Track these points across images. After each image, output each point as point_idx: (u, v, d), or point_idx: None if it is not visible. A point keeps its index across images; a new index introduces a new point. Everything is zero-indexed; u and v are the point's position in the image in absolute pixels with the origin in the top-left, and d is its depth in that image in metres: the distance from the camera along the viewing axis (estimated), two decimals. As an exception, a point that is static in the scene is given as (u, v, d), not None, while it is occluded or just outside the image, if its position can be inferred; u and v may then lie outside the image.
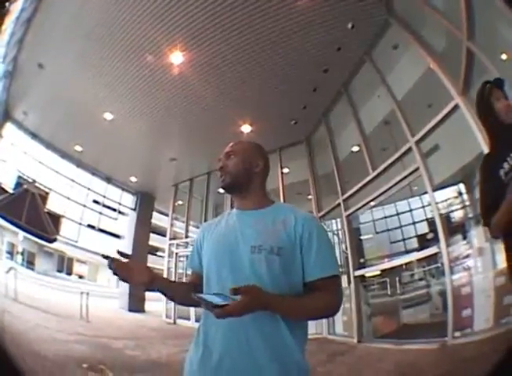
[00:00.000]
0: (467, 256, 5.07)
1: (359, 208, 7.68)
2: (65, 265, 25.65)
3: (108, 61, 7.15)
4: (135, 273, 1.21)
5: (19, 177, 10.25)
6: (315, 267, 1.20)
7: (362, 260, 8.10)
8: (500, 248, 4.38)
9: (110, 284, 25.83)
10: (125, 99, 8.25)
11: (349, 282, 7.63)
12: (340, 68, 7.42)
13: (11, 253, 18.92)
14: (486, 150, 4.33)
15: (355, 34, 6.48)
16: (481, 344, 4.17)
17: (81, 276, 26.13)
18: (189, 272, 1.43)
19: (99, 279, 27.61)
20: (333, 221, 9.19)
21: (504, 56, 4.19)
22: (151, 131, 9.71)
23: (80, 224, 13.26)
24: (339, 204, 8.18)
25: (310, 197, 9.45)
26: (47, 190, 10.80)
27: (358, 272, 7.49)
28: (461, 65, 4.72)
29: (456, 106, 4.95)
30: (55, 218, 10.39)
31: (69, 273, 25.46)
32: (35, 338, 4.96)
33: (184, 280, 1.31)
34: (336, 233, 9.15)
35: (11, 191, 9.52)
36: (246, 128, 9.01)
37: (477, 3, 4.28)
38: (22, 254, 18.83)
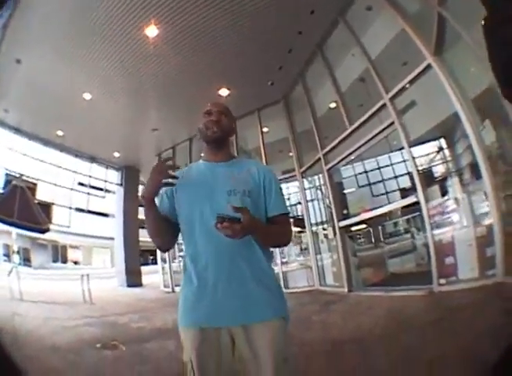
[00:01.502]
0: (447, 207, 5.36)
1: (339, 162, 7.92)
2: (59, 254, 25.75)
3: (82, 41, 6.94)
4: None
5: (7, 174, 10.10)
6: (275, 206, 1.53)
7: (345, 211, 8.39)
8: (478, 199, 4.71)
9: (106, 265, 26.18)
10: (103, 76, 8.09)
11: (335, 233, 7.96)
12: (314, 30, 7.39)
13: (7, 255, 18.88)
14: (460, 110, 4.59)
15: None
16: (468, 293, 4.49)
17: (76, 262, 26.29)
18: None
19: (94, 261, 27.86)
20: (316, 177, 9.42)
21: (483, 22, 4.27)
22: (130, 105, 9.56)
23: (70, 208, 13.25)
24: (319, 159, 8.42)
25: (291, 154, 9.65)
26: (35, 181, 10.72)
27: (343, 223, 7.79)
28: (433, 28, 4.85)
29: (429, 66, 5.13)
30: (46, 207, 10.42)
31: (64, 261, 25.61)
32: (47, 332, 5.10)
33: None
34: (319, 187, 9.39)
35: (1, 190, 9.47)
36: (224, 92, 9.01)
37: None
38: (18, 252, 18.81)
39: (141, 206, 14.95)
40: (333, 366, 3.01)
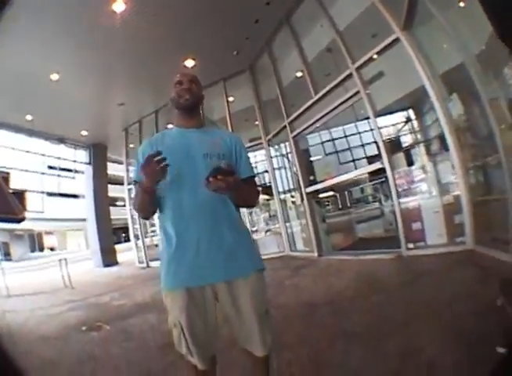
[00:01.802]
0: (415, 176, 5.61)
1: (304, 129, 8.05)
2: (36, 243, 25.12)
3: (48, 21, 6.54)
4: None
5: None
6: (245, 169, 1.66)
7: (312, 178, 8.65)
8: (444, 168, 4.93)
9: (81, 247, 25.78)
10: (68, 55, 7.78)
11: (302, 199, 8.18)
12: (282, 1, 7.29)
13: None
14: (427, 84, 4.73)
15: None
16: (437, 258, 4.77)
17: (52, 249, 25.75)
18: (138, 184, 1.55)
19: (69, 245, 27.34)
20: (282, 145, 9.53)
21: (462, 4, 4.45)
22: (97, 80, 9.26)
23: (42, 193, 12.84)
24: (285, 127, 8.52)
25: (257, 122, 9.72)
26: (7, 170, 10.24)
27: (310, 189, 8.01)
28: (404, 4, 4.93)
29: (397, 40, 5.26)
30: (20, 195, 10.04)
31: (41, 249, 25.06)
32: (34, 324, 5.11)
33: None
34: (285, 155, 9.54)
35: None
36: (189, 63, 8.86)
37: None
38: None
39: (111, 184, 14.74)
40: (308, 327, 3.18)
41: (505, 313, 1.83)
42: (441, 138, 4.98)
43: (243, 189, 1.52)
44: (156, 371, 2.73)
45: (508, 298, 1.81)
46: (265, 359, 1.58)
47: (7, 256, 19.71)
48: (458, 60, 4.50)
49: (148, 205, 1.56)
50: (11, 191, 9.35)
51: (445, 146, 4.90)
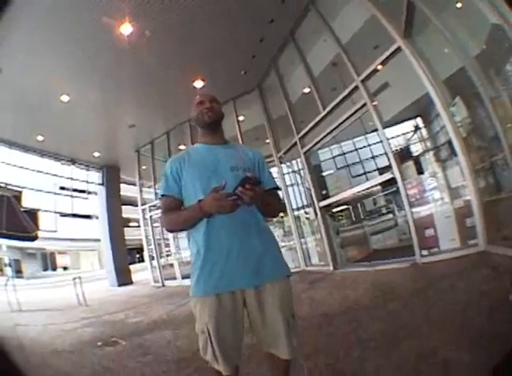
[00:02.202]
0: (427, 185, 5.58)
1: (315, 144, 8.10)
2: (48, 262, 25.28)
3: (59, 44, 6.86)
4: None
5: None
6: (269, 180, 1.78)
7: (324, 192, 8.69)
8: (453, 173, 4.92)
9: (94, 267, 25.87)
10: (78, 77, 8.04)
11: (316, 214, 8.17)
12: (285, 18, 7.49)
13: (0, 269, 18.39)
14: (431, 90, 4.77)
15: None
16: (451, 262, 4.72)
17: (65, 268, 25.86)
18: (165, 198, 1.70)
19: (83, 265, 27.46)
20: (294, 161, 9.58)
21: (459, 4, 4.53)
22: (107, 102, 9.51)
23: (55, 212, 13.07)
24: (295, 143, 8.59)
25: (268, 140, 9.80)
26: (20, 189, 10.50)
27: (323, 203, 8.01)
28: (402, 11, 5.04)
29: (399, 49, 5.35)
30: (33, 214, 10.24)
31: (54, 268, 25.18)
32: (48, 338, 5.15)
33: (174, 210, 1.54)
34: (297, 171, 9.56)
35: None
36: (199, 84, 9.04)
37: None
38: (10, 265, 18.40)
39: (124, 205, 14.93)
40: (325, 337, 3.16)
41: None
42: (450, 143, 4.98)
43: (268, 200, 1.64)
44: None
45: None
46: (287, 364, 1.62)
47: (18, 273, 19.85)
48: (459, 64, 4.55)
49: (193, 224, 1.61)
50: (23, 210, 9.69)
51: (453, 151, 4.90)
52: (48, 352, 4.25)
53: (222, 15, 6.86)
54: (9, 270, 17.88)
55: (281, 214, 10.39)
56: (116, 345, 4.33)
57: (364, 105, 6.25)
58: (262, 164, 1.81)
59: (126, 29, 6.67)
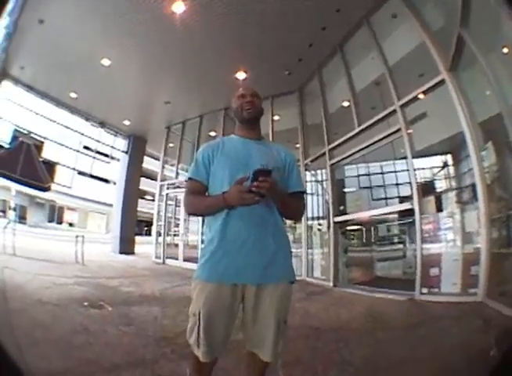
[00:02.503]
0: (443, 224, 5.44)
1: (343, 159, 8.03)
2: (55, 215, 25.82)
3: (108, 9, 6.93)
4: None
5: (16, 130, 10.15)
6: (296, 183, 1.77)
7: (342, 208, 8.59)
8: (471, 217, 4.81)
9: (100, 230, 26.33)
10: (123, 44, 8.10)
11: (328, 227, 8.12)
12: (337, 28, 7.43)
13: (3, 211, 18.93)
14: (466, 129, 4.66)
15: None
16: (448, 307, 4.62)
17: (71, 224, 26.37)
18: (191, 181, 1.74)
19: (89, 225, 27.97)
20: (319, 171, 9.51)
21: (506, 50, 4.39)
22: (147, 75, 9.62)
23: (73, 169, 13.33)
24: (324, 153, 8.51)
25: (298, 145, 9.73)
26: (42, 140, 10.77)
27: (338, 219, 7.93)
28: (451, 46, 4.92)
29: (442, 81, 5.24)
30: (50, 166, 10.50)
31: (59, 222, 25.69)
32: (37, 287, 5.25)
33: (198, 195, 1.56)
34: (321, 182, 9.50)
35: (7, 146, 9.53)
36: (241, 75, 9.06)
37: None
38: (15, 209, 18.96)
39: (143, 176, 15.15)
40: (308, 349, 3.16)
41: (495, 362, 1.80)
42: (473, 187, 4.86)
43: (289, 201, 1.67)
44: (146, 360, 2.74)
45: (499, 348, 1.77)
46: (266, 366, 1.65)
47: (22, 219, 20.28)
48: (497, 109, 4.41)
49: (214, 212, 1.65)
50: (42, 160, 9.94)
51: (475, 196, 4.78)
52: (31, 301, 4.35)
53: (277, 15, 6.87)
54: (12, 214, 18.36)
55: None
56: (102, 308, 4.41)
57: (398, 130, 6.15)
58: (293, 165, 1.80)
59: (178, 7, 6.72)
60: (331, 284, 7.52)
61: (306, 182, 9.47)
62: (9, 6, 6.17)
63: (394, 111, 6.27)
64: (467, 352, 2.77)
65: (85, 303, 4.53)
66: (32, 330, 3.14)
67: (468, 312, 4.16)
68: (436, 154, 8.00)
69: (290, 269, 1.70)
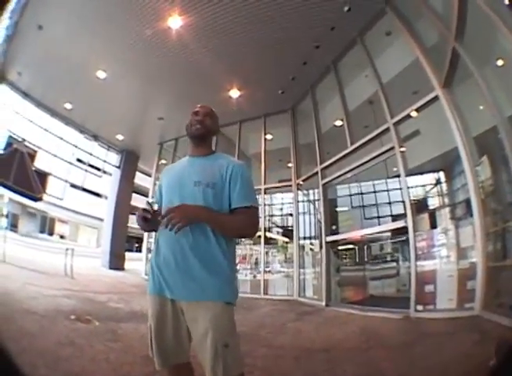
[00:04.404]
0: (436, 240, 5.43)
1: (335, 178, 8.03)
2: (47, 226, 25.50)
3: (106, 21, 7.04)
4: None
5: (10, 137, 10.03)
6: (238, 198, 1.64)
7: (334, 227, 8.55)
8: (465, 233, 4.81)
9: (91, 244, 25.99)
10: (120, 58, 8.15)
11: (321, 247, 8.06)
12: (331, 46, 7.55)
13: None
14: (460, 145, 4.72)
15: (349, 16, 6.54)
16: (444, 323, 4.55)
17: (62, 237, 26.04)
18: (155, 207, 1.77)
19: (80, 238, 27.63)
20: (311, 191, 9.51)
21: (500, 62, 4.50)
22: (141, 91, 9.67)
23: (66, 182, 13.18)
24: (316, 173, 8.51)
25: (290, 164, 9.75)
26: (36, 149, 10.68)
27: (330, 238, 7.89)
28: (446, 61, 4.99)
29: (436, 98, 5.28)
30: (43, 177, 10.37)
31: (50, 233, 25.36)
32: (25, 297, 5.13)
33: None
34: (313, 202, 9.49)
35: (0, 152, 9.45)
36: (234, 93, 9.12)
37: (470, 10, 4.46)
38: (7, 216, 18.72)
39: (135, 192, 15.05)
40: (298, 370, 3.10)
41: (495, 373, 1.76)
42: (467, 202, 4.87)
43: (218, 220, 1.59)
44: (131, 376, 2.64)
45: (499, 359, 1.74)
46: None
47: (13, 227, 20.01)
48: (492, 123, 4.46)
49: (147, 231, 1.81)
50: (34, 169, 9.83)
51: (469, 211, 4.77)
52: (18, 310, 4.26)
53: (272, 33, 6.99)
54: (4, 221, 18.12)
55: (284, 240, 10.22)
56: (89, 323, 4.32)
57: (391, 148, 6.19)
58: (236, 177, 1.67)
59: (175, 23, 6.80)
60: (323, 304, 7.41)
61: (298, 201, 9.46)
62: (10, 7, 6.24)
63: (388, 129, 6.32)
64: (465, 365, 2.73)
65: (72, 316, 4.43)
66: (19, 339, 3.06)
67: (465, 326, 4.12)
68: (429, 172, 8.08)
69: (225, 290, 1.57)
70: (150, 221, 1.61)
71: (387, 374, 2.90)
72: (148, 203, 1.66)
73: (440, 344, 3.62)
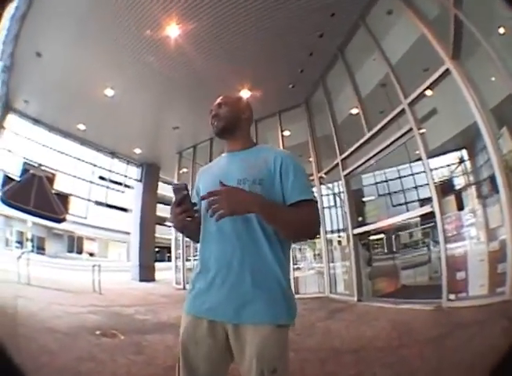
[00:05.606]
0: (465, 220, 5.16)
1: (356, 168, 7.78)
2: (75, 245, 26.33)
3: (105, 38, 7.13)
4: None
5: (25, 163, 10.33)
6: (294, 191, 1.39)
7: (360, 219, 8.33)
8: (493, 212, 4.53)
9: (121, 258, 26.65)
10: (125, 73, 8.26)
11: (348, 240, 7.89)
12: (334, 33, 7.37)
13: (20, 242, 19.45)
14: (478, 119, 4.44)
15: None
16: (476, 311, 4.31)
17: (91, 254, 26.80)
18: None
19: (110, 254, 28.39)
20: (336, 183, 9.27)
21: (502, 30, 4.25)
22: (153, 102, 9.76)
23: (88, 200, 13.52)
24: (337, 164, 8.31)
25: (311, 159, 9.54)
26: (53, 172, 11.02)
27: (357, 231, 7.67)
28: (450, 30, 4.77)
29: (447, 71, 5.03)
30: (64, 198, 10.68)
31: (79, 252, 26.17)
32: (49, 316, 5.17)
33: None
34: (338, 194, 9.28)
35: (18, 179, 9.76)
36: (245, 93, 8.96)
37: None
38: (32, 240, 19.48)
39: (160, 203, 15.24)
40: (324, 374, 2.96)
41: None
42: (492, 178, 4.55)
43: (284, 215, 1.35)
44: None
45: None
46: None
47: (40, 250, 20.73)
48: (506, 92, 4.18)
49: (190, 236, 1.61)
50: (54, 192, 10.12)
51: (494, 187, 4.46)
52: (40, 329, 4.31)
53: (273, 26, 6.87)
54: (29, 245, 18.84)
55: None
56: (114, 337, 4.32)
57: (410, 130, 5.90)
58: (287, 169, 1.43)
59: (172, 31, 6.83)
60: (355, 299, 7.21)
61: (322, 195, 9.25)
62: (1, 38, 6.37)
63: (403, 111, 6.07)
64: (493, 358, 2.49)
65: (97, 332, 4.44)
66: (38, 356, 3.08)
67: (497, 313, 3.88)
68: (451, 151, 7.70)
69: (278, 310, 1.32)
70: (185, 205, 1.36)
71: (418, 373, 2.74)
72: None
73: (471, 335, 3.39)
